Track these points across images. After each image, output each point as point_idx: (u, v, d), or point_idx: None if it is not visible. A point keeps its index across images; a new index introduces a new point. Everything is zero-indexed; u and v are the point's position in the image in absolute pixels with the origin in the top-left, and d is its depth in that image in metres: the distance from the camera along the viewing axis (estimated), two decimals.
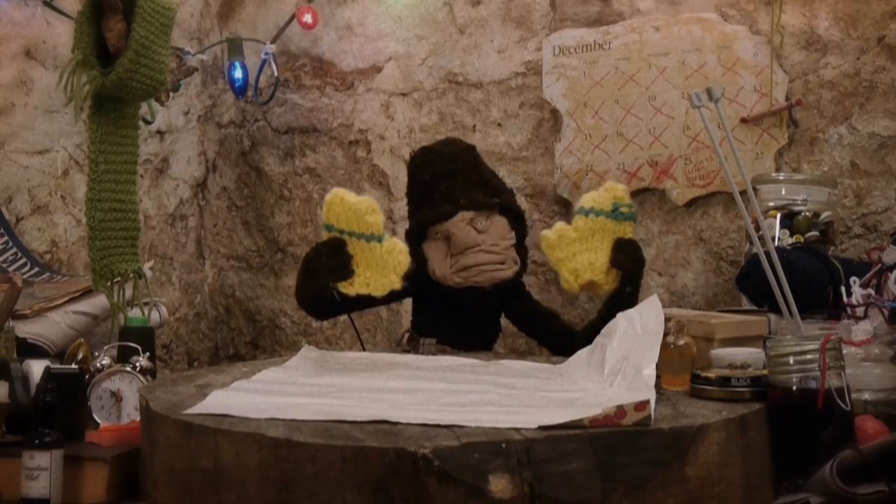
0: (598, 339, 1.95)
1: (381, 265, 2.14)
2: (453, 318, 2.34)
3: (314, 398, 1.65)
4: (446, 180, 2.33)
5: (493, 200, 2.32)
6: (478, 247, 2.28)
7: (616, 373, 1.78)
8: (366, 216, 2.14)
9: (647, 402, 1.44)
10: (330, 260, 2.13)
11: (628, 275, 2.19)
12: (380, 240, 2.14)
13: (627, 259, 2.19)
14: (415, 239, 2.34)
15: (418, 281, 2.31)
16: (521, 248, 2.37)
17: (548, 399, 1.66)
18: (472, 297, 2.33)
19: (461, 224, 2.29)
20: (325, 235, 2.18)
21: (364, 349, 2.58)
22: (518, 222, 2.38)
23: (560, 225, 2.23)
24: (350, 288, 2.15)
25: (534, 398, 1.67)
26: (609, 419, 1.42)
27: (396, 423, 1.44)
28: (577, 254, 2.19)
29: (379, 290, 2.16)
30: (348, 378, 1.88)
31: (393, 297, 2.27)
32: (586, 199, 2.23)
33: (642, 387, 1.64)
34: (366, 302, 2.23)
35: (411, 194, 2.45)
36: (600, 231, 2.20)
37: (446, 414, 1.50)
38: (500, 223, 2.33)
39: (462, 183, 2.32)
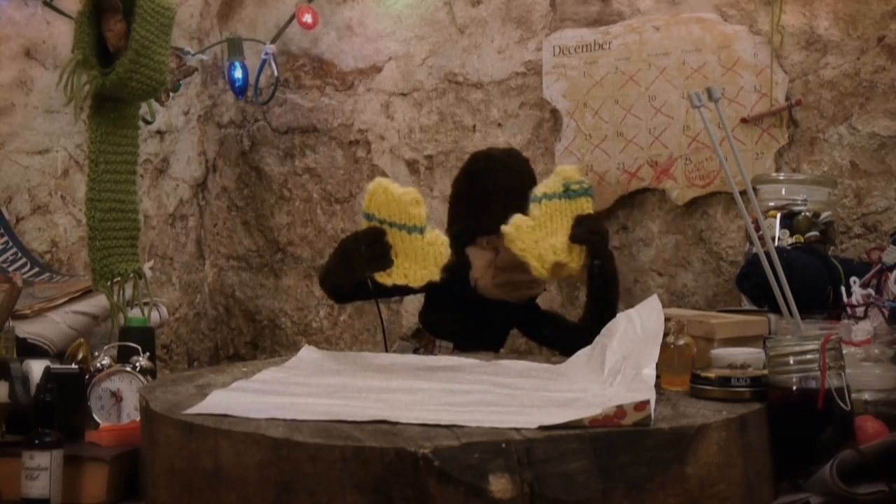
0: (598, 338, 1.95)
1: (422, 256, 2.10)
2: (469, 320, 2.34)
3: (314, 398, 1.65)
4: (510, 194, 2.28)
5: None
6: (523, 266, 2.29)
7: (616, 373, 1.78)
8: (410, 207, 2.08)
9: (647, 402, 1.44)
10: (369, 249, 2.10)
11: (591, 248, 2.18)
12: (422, 231, 2.09)
13: (585, 232, 2.17)
14: (460, 240, 2.32)
15: (455, 274, 2.32)
16: None
17: (548, 399, 1.66)
18: (505, 310, 2.35)
19: None
20: (363, 224, 2.14)
21: (386, 341, 2.58)
22: None
23: (516, 217, 2.19)
24: (387, 278, 2.12)
25: (534, 398, 1.67)
26: (609, 419, 1.42)
27: (396, 423, 1.44)
28: (538, 240, 2.16)
29: (417, 282, 2.12)
30: (348, 378, 1.88)
31: (430, 286, 2.25)
32: (538, 187, 2.22)
33: (642, 387, 1.64)
34: (401, 290, 2.22)
35: (465, 196, 2.40)
36: (557, 214, 2.18)
37: (446, 414, 1.50)
38: None
39: (523, 200, 2.28)
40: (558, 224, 2.18)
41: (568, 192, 2.18)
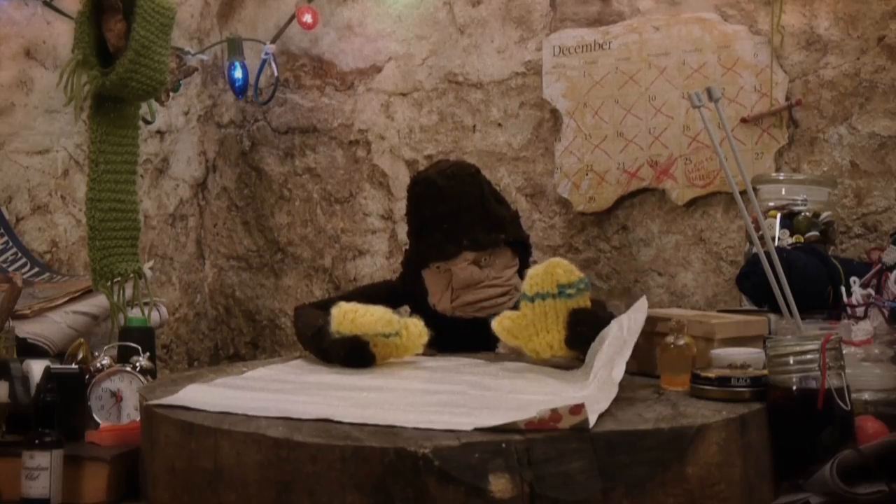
0: (592, 344, 1.93)
1: (404, 348, 2.06)
2: (451, 333, 2.32)
3: (284, 395, 1.67)
4: (449, 219, 2.25)
5: (498, 237, 2.28)
6: (480, 283, 2.26)
7: (596, 376, 1.76)
8: (380, 327, 2.01)
9: (581, 406, 1.38)
10: (350, 356, 2.01)
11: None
12: (398, 334, 2.03)
13: (583, 338, 1.95)
14: (415, 265, 2.33)
15: (417, 298, 2.31)
16: (524, 269, 2.35)
17: (515, 401, 1.63)
18: (473, 326, 2.29)
19: (463, 264, 2.26)
20: (335, 333, 2.03)
21: None
22: (522, 248, 2.36)
23: (508, 314, 2.05)
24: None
25: (501, 400, 1.65)
26: (544, 423, 1.38)
27: (339, 423, 1.44)
28: (532, 336, 2.02)
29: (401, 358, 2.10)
30: (335, 377, 1.88)
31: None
32: (529, 285, 2.02)
33: (609, 387, 1.60)
34: None
35: (412, 222, 2.38)
36: (552, 311, 2.00)
37: (395, 413, 1.49)
38: (503, 255, 2.30)
39: (466, 221, 2.25)
40: (552, 321, 2.01)
41: (562, 294, 2.00)
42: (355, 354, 2.00)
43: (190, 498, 1.49)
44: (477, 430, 1.38)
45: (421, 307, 2.33)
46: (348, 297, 2.38)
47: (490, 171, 3.09)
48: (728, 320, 1.98)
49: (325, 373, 1.94)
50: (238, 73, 3.38)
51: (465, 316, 2.28)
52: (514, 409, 1.51)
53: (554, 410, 1.39)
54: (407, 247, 2.42)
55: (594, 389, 1.67)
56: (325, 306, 2.23)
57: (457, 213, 2.26)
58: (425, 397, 1.67)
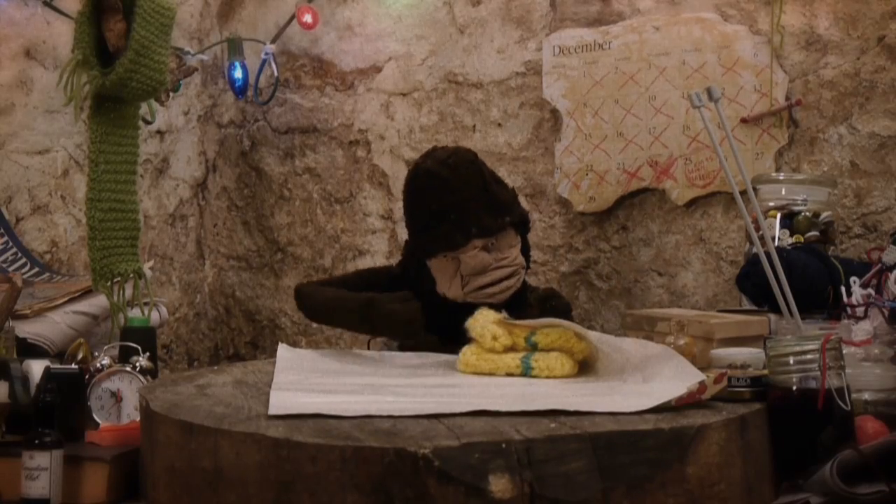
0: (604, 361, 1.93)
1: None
2: (460, 320, 2.31)
3: (357, 395, 1.67)
4: (456, 210, 2.23)
5: (504, 221, 2.28)
6: (490, 265, 2.27)
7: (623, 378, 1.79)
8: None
9: (724, 374, 1.57)
10: (408, 327, 2.24)
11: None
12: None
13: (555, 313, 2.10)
14: (420, 256, 2.32)
15: (421, 287, 2.32)
16: (524, 246, 2.36)
17: (620, 388, 1.72)
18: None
19: (472, 252, 2.25)
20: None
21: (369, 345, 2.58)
22: (522, 225, 2.36)
23: (465, 351, 2.05)
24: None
25: (614, 389, 1.73)
26: (692, 396, 1.52)
27: (448, 415, 1.48)
28: (496, 357, 2.03)
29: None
30: (374, 378, 1.89)
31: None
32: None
33: (689, 371, 1.69)
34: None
35: (414, 215, 2.35)
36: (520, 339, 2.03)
37: (558, 399, 1.57)
38: (507, 235, 2.30)
39: (472, 210, 2.24)
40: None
41: (529, 342, 2.02)
42: (414, 325, 2.18)
43: (190, 498, 1.49)
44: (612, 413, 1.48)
45: (426, 295, 2.32)
46: (348, 280, 2.43)
47: None
48: (728, 320, 1.98)
49: (395, 375, 1.95)
50: (238, 73, 3.38)
51: (475, 301, 2.28)
52: (630, 396, 1.60)
53: (700, 383, 1.53)
54: (407, 238, 2.41)
55: (660, 382, 1.70)
56: (331, 284, 2.43)
57: (463, 202, 2.25)
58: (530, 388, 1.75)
